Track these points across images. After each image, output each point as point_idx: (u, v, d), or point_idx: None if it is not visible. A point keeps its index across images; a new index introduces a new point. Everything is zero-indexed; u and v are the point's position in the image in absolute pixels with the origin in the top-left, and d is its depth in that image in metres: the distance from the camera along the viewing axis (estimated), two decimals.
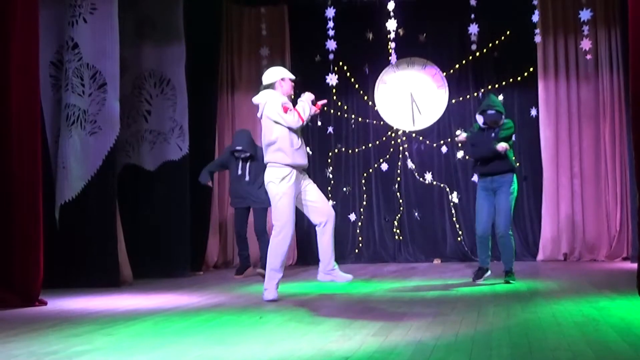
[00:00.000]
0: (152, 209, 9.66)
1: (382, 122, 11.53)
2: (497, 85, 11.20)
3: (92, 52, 8.59)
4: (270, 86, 7.01)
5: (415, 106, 11.42)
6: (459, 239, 11.16)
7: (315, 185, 7.00)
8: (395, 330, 4.81)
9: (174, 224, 9.63)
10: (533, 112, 11.01)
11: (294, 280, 7.75)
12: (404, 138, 11.46)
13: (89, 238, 8.49)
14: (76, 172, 8.52)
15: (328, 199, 11.04)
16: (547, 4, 10.86)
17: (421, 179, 11.39)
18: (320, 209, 6.87)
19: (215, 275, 9.69)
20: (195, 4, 10.19)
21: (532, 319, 5.21)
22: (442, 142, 11.34)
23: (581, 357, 3.84)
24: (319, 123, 11.36)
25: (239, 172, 9.08)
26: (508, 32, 11.05)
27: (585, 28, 9.68)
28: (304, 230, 10.79)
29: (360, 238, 11.49)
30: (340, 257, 11.22)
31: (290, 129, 6.74)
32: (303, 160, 6.81)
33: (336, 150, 11.61)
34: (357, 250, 11.45)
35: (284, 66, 11.44)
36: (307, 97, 6.94)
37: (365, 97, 11.57)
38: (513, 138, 7.98)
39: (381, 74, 11.50)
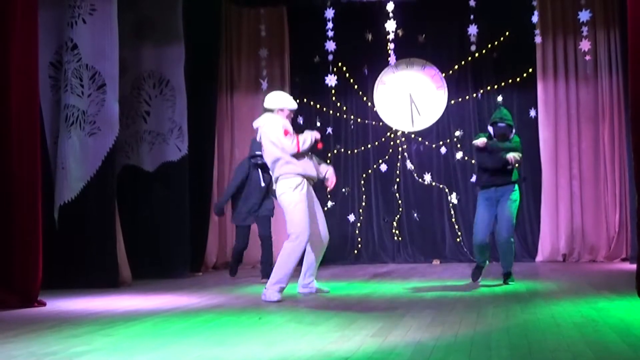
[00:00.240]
0: (151, 209, 9.66)
1: (381, 123, 11.53)
2: (496, 86, 11.21)
3: (91, 53, 8.59)
4: (270, 110, 7.10)
5: (415, 107, 11.42)
6: (458, 239, 11.16)
7: (319, 206, 7.20)
8: (395, 331, 4.82)
9: (173, 225, 9.62)
10: (532, 113, 11.02)
11: (294, 280, 7.74)
12: (403, 139, 11.46)
13: (88, 239, 8.49)
14: (75, 172, 8.52)
15: (327, 199, 11.08)
16: (546, 4, 10.87)
17: (420, 180, 11.40)
18: (319, 229, 7.10)
19: (215, 276, 9.69)
20: (194, 5, 10.19)
21: (532, 320, 5.21)
22: (441, 142, 11.35)
23: (580, 358, 3.84)
24: (318, 124, 11.37)
25: (262, 183, 8.72)
26: (507, 33, 11.06)
27: (585, 29, 9.69)
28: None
29: (359, 239, 11.49)
30: (340, 257, 11.25)
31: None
32: (313, 172, 6.94)
33: (335, 151, 11.62)
34: (356, 251, 11.46)
35: (283, 67, 11.52)
36: (313, 134, 7.02)
37: (365, 98, 11.58)
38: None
39: (380, 75, 11.51)
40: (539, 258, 10.83)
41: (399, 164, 11.46)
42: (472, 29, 9.86)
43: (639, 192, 6.25)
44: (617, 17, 10.48)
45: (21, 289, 6.76)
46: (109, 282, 8.27)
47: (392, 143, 11.50)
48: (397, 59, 10.18)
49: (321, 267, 9.31)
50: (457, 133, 11.26)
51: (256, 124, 7.11)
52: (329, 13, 9.92)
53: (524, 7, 10.09)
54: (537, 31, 10.01)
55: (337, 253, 11.27)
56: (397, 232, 11.40)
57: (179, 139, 9.77)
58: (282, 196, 6.86)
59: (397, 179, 11.46)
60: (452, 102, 11.34)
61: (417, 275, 9.10)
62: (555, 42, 10.95)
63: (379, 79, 11.53)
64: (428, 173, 11.36)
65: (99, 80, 8.63)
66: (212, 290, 7.96)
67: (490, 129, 7.75)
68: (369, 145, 11.57)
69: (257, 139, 7.18)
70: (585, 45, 9.77)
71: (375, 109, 11.54)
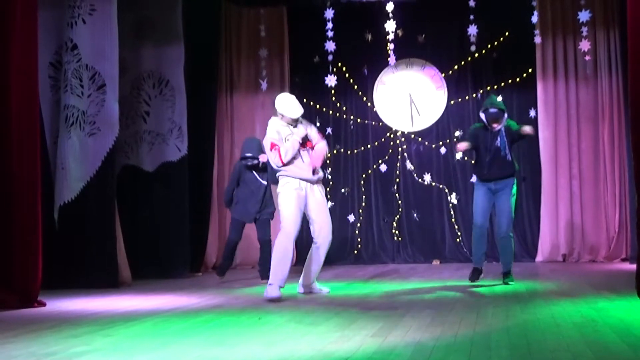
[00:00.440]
0: (151, 209, 9.66)
1: (381, 123, 11.53)
2: (496, 86, 11.20)
3: (91, 53, 8.59)
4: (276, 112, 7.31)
5: (414, 107, 11.42)
6: (457, 240, 11.16)
7: (324, 204, 7.27)
8: (394, 331, 4.82)
9: (173, 225, 9.63)
10: (532, 113, 11.02)
11: (294, 281, 7.75)
12: (403, 139, 11.46)
13: (88, 239, 8.49)
14: (75, 173, 8.52)
15: (327, 200, 11.06)
16: (546, 5, 10.87)
17: (420, 180, 11.40)
18: (318, 230, 7.23)
19: (214, 276, 9.68)
20: (194, 5, 10.19)
21: (531, 320, 5.22)
22: (441, 143, 11.35)
23: (580, 358, 3.84)
24: (318, 124, 11.36)
25: (263, 181, 8.63)
26: (507, 33, 11.06)
27: (584, 29, 9.69)
28: (303, 231, 10.77)
29: (359, 239, 11.49)
30: (340, 258, 11.25)
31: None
32: (306, 175, 7.11)
33: (335, 152, 11.62)
34: (356, 252, 11.46)
35: (283, 67, 11.51)
36: (295, 140, 7.11)
37: (364, 98, 11.58)
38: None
39: (380, 75, 11.51)
40: (538, 258, 10.83)
41: (398, 164, 11.46)
42: (472, 29, 9.86)
43: (639, 192, 6.25)
44: (617, 17, 10.48)
45: (21, 289, 6.76)
46: (109, 282, 8.27)
47: (391, 143, 11.50)
48: (396, 59, 10.18)
49: (321, 268, 9.31)
50: (457, 133, 11.25)
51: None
52: (329, 13, 9.92)
53: (523, 7, 10.09)
54: (537, 31, 10.01)
55: (337, 253, 11.26)
56: (397, 232, 11.40)
57: (178, 139, 9.77)
58: (278, 193, 7.21)
59: (397, 179, 11.46)
60: (452, 102, 11.34)
61: (417, 276, 9.11)
62: (555, 42, 10.95)
63: (378, 79, 11.53)
64: (428, 173, 11.36)
65: (99, 80, 8.63)
66: (212, 290, 7.96)
67: (482, 115, 7.76)
68: (369, 146, 11.57)
69: None
70: (585, 45, 9.77)
71: (375, 109, 11.54)
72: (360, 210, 11.53)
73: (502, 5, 10.80)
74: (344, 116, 11.62)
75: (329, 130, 11.52)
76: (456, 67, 11.33)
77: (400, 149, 11.45)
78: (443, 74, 11.37)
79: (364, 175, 11.57)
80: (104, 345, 4.61)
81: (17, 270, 6.80)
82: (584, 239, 10.79)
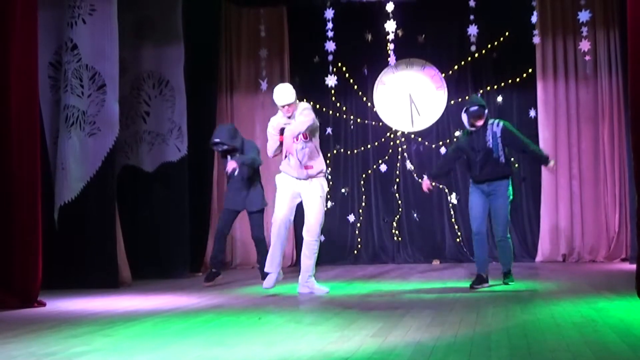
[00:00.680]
0: (151, 210, 9.67)
1: (381, 123, 11.53)
2: (495, 86, 11.21)
3: (91, 53, 8.59)
4: None
5: (414, 107, 11.42)
6: (457, 240, 11.16)
7: (314, 201, 7.31)
8: (394, 331, 4.82)
9: (173, 225, 9.63)
10: (532, 113, 11.01)
11: (294, 281, 7.75)
12: (403, 139, 11.46)
13: (88, 239, 8.50)
14: (75, 173, 8.53)
15: (327, 199, 11.06)
16: (546, 5, 10.87)
17: (420, 180, 11.38)
18: (305, 224, 7.37)
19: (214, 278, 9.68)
20: (194, 5, 10.19)
21: (531, 320, 5.22)
22: (441, 143, 11.34)
23: (580, 358, 3.84)
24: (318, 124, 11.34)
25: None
26: (507, 33, 11.05)
27: (584, 29, 9.69)
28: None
29: (359, 239, 11.49)
30: (339, 258, 11.25)
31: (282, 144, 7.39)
32: (294, 173, 7.32)
33: (335, 152, 11.61)
34: (355, 252, 11.45)
35: (283, 67, 11.50)
36: (271, 128, 7.42)
37: (364, 98, 11.58)
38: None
39: (380, 75, 11.50)
40: (538, 258, 10.83)
41: (398, 164, 11.46)
42: (472, 29, 9.85)
43: (639, 192, 6.25)
44: (617, 17, 10.48)
45: (21, 289, 6.76)
46: (109, 283, 8.27)
47: (391, 143, 11.50)
48: (396, 59, 10.18)
49: (321, 268, 9.31)
50: (457, 133, 11.22)
51: None
52: (329, 13, 9.92)
53: (523, 7, 10.08)
54: (536, 31, 10.01)
55: (337, 253, 11.27)
56: (396, 232, 11.39)
57: (178, 139, 9.78)
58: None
59: (397, 179, 11.46)
60: (452, 102, 11.34)
61: (417, 276, 9.11)
62: (555, 43, 10.94)
63: (378, 79, 11.53)
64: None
65: (99, 80, 8.63)
66: (212, 290, 7.96)
67: (464, 117, 7.65)
68: (369, 146, 11.57)
69: None
70: (585, 45, 9.77)
71: (375, 109, 11.54)
72: (360, 210, 11.53)
73: (502, 5, 10.79)
74: (344, 116, 11.62)
75: (329, 130, 11.52)
76: (456, 67, 11.33)
77: (400, 149, 11.45)
78: (443, 74, 11.36)
79: (364, 175, 11.57)
80: (104, 345, 4.61)
81: (17, 270, 6.81)
82: (584, 239, 10.79)
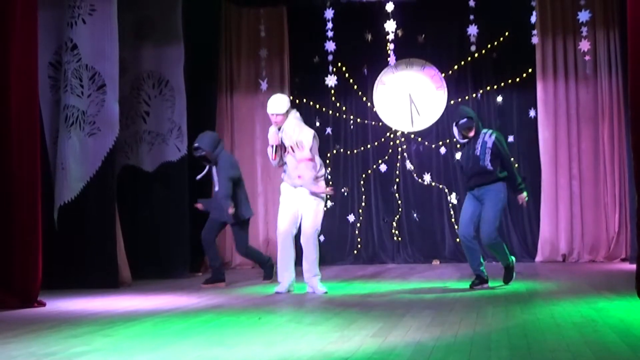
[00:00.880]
0: (151, 210, 9.67)
1: (380, 123, 11.53)
2: (495, 86, 11.21)
3: (91, 53, 8.59)
4: None
5: (414, 107, 11.42)
6: (457, 240, 11.15)
7: (308, 209, 7.43)
8: (394, 332, 4.82)
9: (173, 225, 9.63)
10: (532, 113, 11.02)
11: (300, 280, 7.75)
12: (403, 139, 11.46)
13: (88, 239, 8.49)
14: (75, 173, 8.52)
15: (327, 200, 11.06)
16: (545, 5, 10.87)
17: (420, 180, 11.40)
18: (302, 228, 7.50)
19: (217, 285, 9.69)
20: (194, 5, 10.19)
21: (531, 320, 5.22)
22: (440, 143, 11.34)
23: (580, 358, 3.84)
24: (317, 124, 11.36)
25: (214, 175, 8.49)
26: (507, 33, 11.05)
27: (584, 29, 9.68)
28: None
29: (359, 239, 11.49)
30: (339, 258, 11.25)
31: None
32: (288, 180, 7.52)
33: (335, 152, 11.61)
34: (355, 252, 11.45)
35: (283, 67, 11.50)
36: (269, 146, 7.60)
37: (364, 98, 11.58)
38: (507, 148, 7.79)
39: (380, 75, 11.50)
40: (538, 258, 10.82)
41: (398, 164, 11.46)
42: (472, 29, 9.84)
43: (639, 192, 6.25)
44: (616, 17, 10.48)
45: (21, 289, 6.76)
46: (109, 283, 8.27)
47: (391, 143, 11.50)
48: (396, 59, 10.17)
49: (321, 268, 9.31)
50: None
51: None
52: (329, 13, 9.91)
53: (523, 7, 10.08)
54: (535, 32, 10.01)
55: (337, 253, 11.28)
56: (396, 232, 11.40)
57: (178, 139, 9.78)
58: None
59: (397, 179, 11.46)
60: (452, 102, 11.33)
61: (416, 276, 9.11)
62: (555, 43, 10.94)
63: (378, 79, 11.52)
64: (428, 173, 11.35)
65: (99, 80, 8.63)
66: (212, 290, 7.96)
67: (455, 131, 7.67)
68: (369, 146, 11.57)
69: None
70: (584, 45, 9.77)
71: (374, 109, 11.54)
72: (360, 210, 11.53)
73: (502, 5, 10.79)
74: (344, 116, 11.62)
75: (328, 130, 11.52)
76: (456, 67, 11.33)
77: (400, 149, 11.45)
78: (443, 74, 11.36)
79: (363, 175, 11.57)
80: (104, 345, 4.61)
81: (17, 270, 6.80)
82: (584, 239, 10.79)
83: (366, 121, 11.58)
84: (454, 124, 7.64)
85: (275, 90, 11.20)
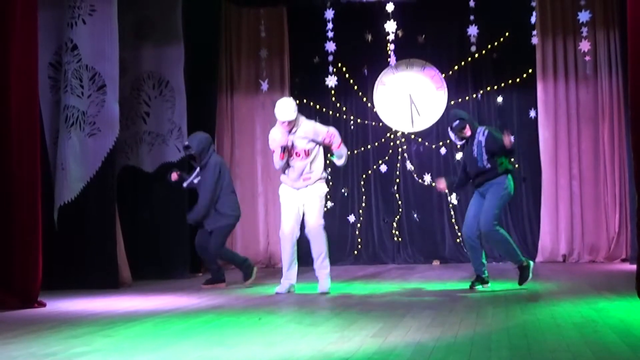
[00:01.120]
0: (151, 210, 9.66)
1: (381, 124, 11.53)
2: (495, 87, 11.21)
3: (91, 53, 8.59)
4: None
5: (414, 107, 11.42)
6: (457, 240, 11.16)
7: (314, 202, 7.49)
8: (395, 332, 4.82)
9: (173, 226, 9.62)
10: (532, 113, 11.02)
11: (300, 281, 7.76)
12: (403, 139, 11.46)
13: (88, 239, 8.49)
14: (75, 173, 8.53)
15: (327, 199, 11.05)
16: (545, 5, 10.87)
17: (420, 181, 11.40)
18: (306, 224, 7.55)
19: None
20: (194, 5, 10.18)
21: (531, 320, 5.22)
22: (441, 143, 11.34)
23: (580, 358, 3.84)
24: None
25: (195, 177, 8.45)
26: (507, 34, 11.06)
27: (584, 29, 9.69)
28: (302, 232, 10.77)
29: (359, 239, 11.49)
30: (339, 258, 11.24)
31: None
32: (291, 184, 7.55)
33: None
34: (356, 252, 11.45)
35: (283, 67, 11.50)
36: (278, 146, 7.52)
37: (364, 99, 11.58)
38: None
39: (380, 76, 11.50)
40: (538, 258, 10.82)
41: (398, 165, 11.46)
42: (472, 30, 9.85)
43: (639, 192, 6.25)
44: (617, 17, 10.48)
45: (21, 289, 6.76)
46: (109, 283, 8.27)
47: (392, 144, 11.50)
48: (397, 60, 10.17)
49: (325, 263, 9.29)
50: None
51: None
52: (329, 13, 9.91)
53: (523, 7, 10.09)
54: (535, 32, 10.01)
55: (337, 254, 11.24)
56: (397, 232, 11.39)
57: (178, 140, 9.77)
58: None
59: (397, 180, 11.46)
60: (452, 102, 11.34)
61: (417, 276, 9.11)
62: (555, 43, 10.95)
63: (378, 79, 11.53)
64: (428, 174, 11.35)
65: (99, 81, 8.63)
66: (211, 290, 7.96)
67: (451, 135, 7.69)
68: (369, 146, 11.57)
69: None
70: (585, 45, 9.77)
71: (375, 110, 11.54)
72: (360, 211, 11.53)
73: (502, 6, 10.80)
74: (344, 116, 11.62)
75: None
76: (456, 67, 11.33)
77: (400, 150, 11.45)
78: (443, 75, 11.36)
79: (364, 176, 11.57)
80: (104, 345, 4.61)
81: (17, 270, 6.80)
82: (584, 239, 10.79)
83: (366, 121, 11.58)
84: (449, 129, 7.66)
85: (275, 90, 11.25)
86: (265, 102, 11.33)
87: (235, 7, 11.47)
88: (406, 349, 4.21)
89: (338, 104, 11.59)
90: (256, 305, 6.52)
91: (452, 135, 7.65)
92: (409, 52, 11.09)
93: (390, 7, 9.48)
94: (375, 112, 11.55)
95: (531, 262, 7.39)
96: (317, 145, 7.52)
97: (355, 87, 11.57)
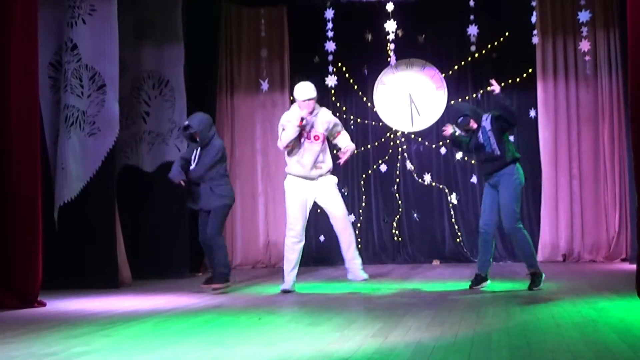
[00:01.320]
0: (151, 210, 9.66)
1: (381, 123, 11.52)
2: None
3: (91, 53, 8.60)
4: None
5: (414, 107, 11.41)
6: (458, 240, 11.16)
7: (332, 193, 7.58)
8: (395, 331, 4.82)
9: (173, 225, 9.62)
10: (532, 113, 11.01)
11: (301, 280, 7.76)
12: (403, 139, 11.45)
13: (88, 239, 8.50)
14: (75, 173, 8.53)
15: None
16: (545, 5, 10.87)
17: (420, 180, 11.39)
18: (333, 222, 7.60)
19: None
20: (194, 5, 10.18)
21: (531, 320, 5.22)
22: (441, 143, 11.33)
23: (580, 358, 3.84)
24: None
25: (193, 159, 7.96)
26: (507, 34, 11.05)
27: (584, 29, 9.68)
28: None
29: (359, 239, 11.46)
30: (339, 258, 11.12)
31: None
32: (304, 172, 7.49)
33: (335, 151, 11.57)
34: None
35: (283, 67, 11.49)
36: (292, 125, 7.52)
37: (364, 99, 11.57)
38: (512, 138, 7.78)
39: (380, 75, 11.50)
40: (538, 258, 10.73)
41: (398, 164, 11.45)
42: (472, 29, 9.83)
43: (639, 192, 6.24)
44: (617, 17, 10.47)
45: (21, 289, 6.77)
46: (109, 283, 8.27)
47: (391, 143, 11.49)
48: (396, 59, 10.16)
49: (321, 268, 9.32)
50: (457, 133, 11.23)
51: None
52: (329, 13, 9.90)
53: (523, 7, 10.07)
54: (535, 32, 10.00)
55: (337, 253, 11.21)
56: (397, 232, 11.39)
57: (178, 139, 9.77)
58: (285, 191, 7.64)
59: (397, 179, 11.46)
60: (452, 102, 11.33)
61: (417, 276, 9.11)
62: (555, 43, 10.94)
63: (378, 79, 11.52)
64: (428, 173, 11.35)
65: (99, 80, 8.64)
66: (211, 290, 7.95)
67: (456, 129, 7.72)
68: (369, 146, 11.56)
69: None
70: (585, 45, 9.76)
71: (375, 110, 11.54)
72: (360, 211, 11.52)
73: (502, 6, 10.79)
74: (344, 116, 11.60)
75: None
76: (456, 67, 11.32)
77: (400, 149, 11.45)
78: (443, 74, 11.36)
79: (364, 176, 11.56)
80: (104, 345, 4.61)
81: (17, 270, 6.81)
82: (584, 239, 10.79)
83: (366, 121, 11.57)
84: (454, 125, 7.67)
85: (275, 90, 11.26)
86: (265, 102, 11.33)
87: (235, 7, 11.47)
88: (406, 349, 4.21)
89: (338, 104, 11.58)
90: (256, 305, 6.52)
91: (457, 130, 7.67)
92: (409, 51, 11.08)
93: (390, 6, 9.47)
94: (375, 112, 11.54)
95: (543, 274, 7.33)
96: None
97: (355, 87, 11.56)
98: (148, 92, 9.87)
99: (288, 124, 7.52)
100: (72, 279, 8.25)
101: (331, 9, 9.90)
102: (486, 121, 7.47)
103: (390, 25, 9.57)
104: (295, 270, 7.61)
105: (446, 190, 11.31)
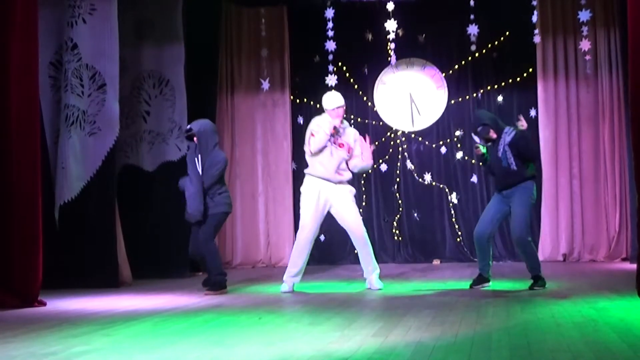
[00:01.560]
0: (151, 209, 9.66)
1: (381, 123, 11.52)
2: (496, 86, 11.20)
3: (91, 52, 8.60)
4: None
5: (415, 107, 11.41)
6: (458, 239, 11.16)
7: (349, 205, 7.62)
8: (395, 331, 4.82)
9: (173, 225, 9.61)
10: (532, 112, 11.01)
11: (303, 279, 7.76)
12: (403, 139, 11.45)
13: (88, 238, 8.50)
14: (75, 172, 8.53)
15: None
16: (546, 4, 10.86)
17: (420, 180, 11.39)
18: (349, 232, 7.70)
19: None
20: (194, 5, 10.18)
21: (532, 320, 5.22)
22: (441, 142, 11.34)
23: (580, 358, 3.84)
24: None
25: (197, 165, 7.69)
26: (507, 33, 11.05)
27: (585, 29, 9.67)
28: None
29: None
30: (340, 258, 11.24)
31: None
32: (328, 175, 7.53)
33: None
34: (356, 251, 11.40)
35: (283, 67, 11.49)
36: (323, 132, 7.57)
37: (365, 98, 11.57)
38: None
39: (380, 75, 11.50)
40: (539, 257, 10.80)
41: (399, 164, 11.45)
42: (472, 29, 9.82)
43: (639, 192, 6.24)
44: (617, 17, 10.47)
45: (21, 289, 6.77)
46: (109, 282, 8.27)
47: (392, 143, 11.49)
48: (397, 59, 10.16)
49: (321, 268, 9.33)
50: (457, 133, 11.25)
51: None
52: (329, 13, 9.90)
53: (523, 7, 10.06)
54: (536, 31, 10.00)
55: (337, 253, 11.26)
56: (397, 232, 11.39)
57: (178, 139, 9.77)
58: (301, 192, 7.69)
59: (397, 179, 11.46)
60: (452, 102, 11.34)
61: (417, 275, 9.10)
62: (555, 42, 10.94)
63: (379, 78, 11.52)
64: (428, 173, 11.35)
65: (99, 80, 8.64)
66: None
67: (476, 139, 7.73)
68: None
69: None
70: (585, 45, 9.76)
71: (375, 109, 11.54)
72: (361, 210, 11.38)
73: (502, 5, 10.79)
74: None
75: None
76: (456, 66, 11.32)
77: (400, 149, 11.45)
78: (443, 74, 11.36)
79: (364, 175, 11.56)
80: (104, 345, 4.61)
81: (17, 270, 6.81)
82: (584, 239, 10.79)
83: (367, 121, 11.57)
84: (473, 133, 7.70)
85: (276, 90, 11.26)
86: (265, 102, 11.33)
87: (235, 6, 11.47)
88: (406, 348, 4.21)
89: None
90: (256, 305, 6.52)
91: (476, 138, 7.68)
92: (409, 51, 11.08)
93: (390, 6, 9.47)
94: (376, 111, 11.54)
95: (547, 283, 7.37)
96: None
97: (356, 86, 11.56)
98: (148, 92, 9.87)
99: (319, 129, 7.58)
100: (73, 279, 8.25)
101: (331, 8, 9.90)
102: (508, 137, 7.39)
103: (391, 25, 9.57)
104: (299, 277, 7.64)
105: (446, 190, 11.31)
